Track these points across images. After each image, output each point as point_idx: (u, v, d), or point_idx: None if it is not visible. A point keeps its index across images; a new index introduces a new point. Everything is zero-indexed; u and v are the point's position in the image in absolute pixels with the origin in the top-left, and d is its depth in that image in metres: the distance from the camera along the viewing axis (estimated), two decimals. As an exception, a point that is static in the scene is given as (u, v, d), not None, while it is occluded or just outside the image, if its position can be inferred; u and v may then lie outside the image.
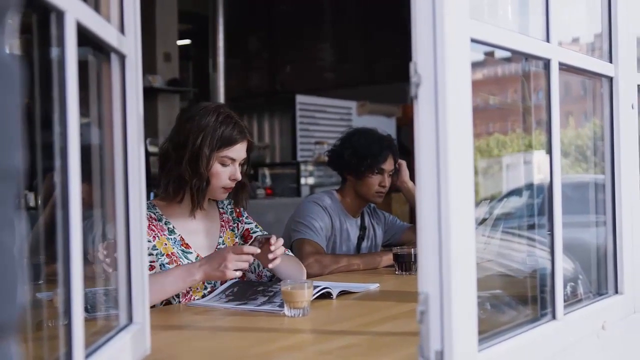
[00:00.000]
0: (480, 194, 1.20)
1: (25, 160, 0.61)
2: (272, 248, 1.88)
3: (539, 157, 1.38)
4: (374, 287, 2.09)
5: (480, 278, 1.06)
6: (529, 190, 1.50)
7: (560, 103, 1.33)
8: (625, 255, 1.55)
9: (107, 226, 1.24)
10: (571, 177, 1.54)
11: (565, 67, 1.37)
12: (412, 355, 1.03)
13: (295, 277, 2.03)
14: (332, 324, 1.63)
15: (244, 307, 1.77)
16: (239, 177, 2.01)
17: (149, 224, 1.92)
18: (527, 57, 1.35)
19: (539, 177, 1.42)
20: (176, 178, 1.96)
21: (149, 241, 1.90)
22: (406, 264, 2.36)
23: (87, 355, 0.94)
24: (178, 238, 2.00)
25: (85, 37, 0.96)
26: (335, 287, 1.93)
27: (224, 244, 2.09)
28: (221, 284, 1.96)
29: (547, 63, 1.31)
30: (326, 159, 2.90)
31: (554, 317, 1.30)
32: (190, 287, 1.90)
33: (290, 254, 2.24)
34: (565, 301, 1.33)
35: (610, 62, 1.56)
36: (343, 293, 1.94)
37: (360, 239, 2.79)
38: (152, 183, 2.36)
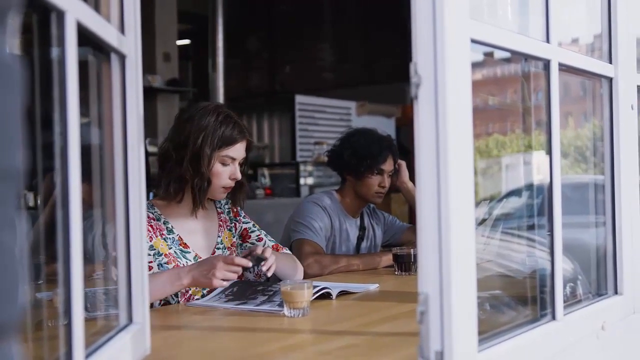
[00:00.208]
0: (480, 194, 1.20)
1: (25, 160, 0.61)
2: (264, 269, 1.89)
3: (539, 157, 1.38)
4: (373, 287, 2.09)
5: (480, 278, 1.06)
6: (529, 190, 1.50)
7: (560, 103, 1.33)
8: (625, 256, 1.56)
9: (107, 226, 1.24)
10: (571, 177, 1.54)
11: (565, 68, 1.37)
12: (412, 356, 1.03)
13: (289, 272, 2.06)
14: (331, 324, 1.63)
15: (243, 307, 1.77)
16: (239, 176, 2.02)
17: (147, 224, 1.92)
18: (527, 57, 1.35)
19: (539, 177, 1.42)
20: (177, 178, 1.97)
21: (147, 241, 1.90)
22: (406, 264, 2.36)
23: (87, 355, 0.94)
24: (176, 238, 2.00)
25: (86, 37, 0.96)
26: (334, 287, 1.93)
27: (222, 243, 2.10)
28: (208, 292, 1.94)
29: (546, 64, 1.31)
30: (326, 159, 2.90)
31: (553, 317, 1.30)
32: (189, 287, 1.90)
33: (287, 251, 2.24)
34: (564, 302, 1.33)
35: (610, 62, 1.56)
36: (343, 293, 1.94)
37: (360, 239, 2.79)
38: (151, 183, 2.36)
